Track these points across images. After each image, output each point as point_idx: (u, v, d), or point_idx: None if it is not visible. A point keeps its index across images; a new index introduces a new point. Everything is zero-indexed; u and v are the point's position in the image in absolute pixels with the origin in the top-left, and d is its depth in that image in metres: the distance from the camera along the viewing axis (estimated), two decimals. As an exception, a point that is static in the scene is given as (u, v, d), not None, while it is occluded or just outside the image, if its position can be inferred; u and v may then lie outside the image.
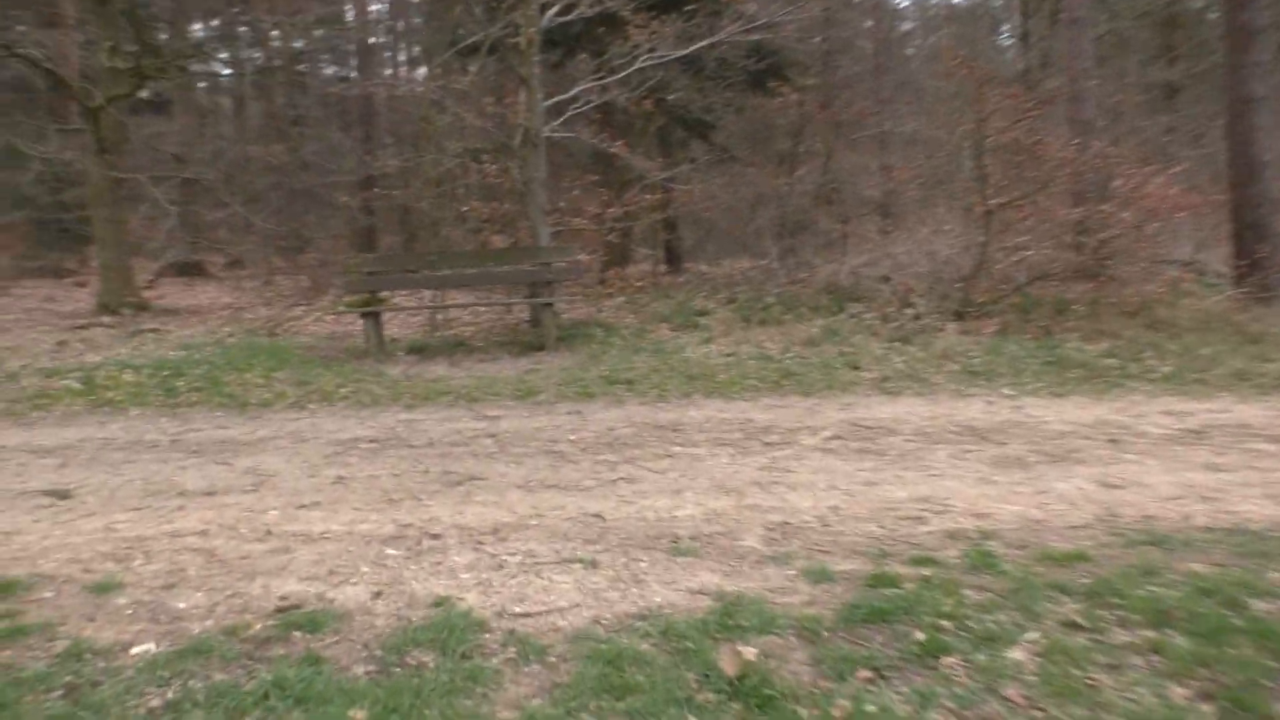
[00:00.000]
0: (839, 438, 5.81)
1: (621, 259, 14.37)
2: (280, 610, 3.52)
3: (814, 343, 8.79)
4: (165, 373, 7.65)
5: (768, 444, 5.70)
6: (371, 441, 5.97)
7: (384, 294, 9.70)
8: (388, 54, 22.65)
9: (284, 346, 9.32)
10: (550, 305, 9.31)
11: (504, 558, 3.99)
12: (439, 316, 10.32)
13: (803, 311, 10.37)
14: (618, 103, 11.76)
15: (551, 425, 6.24)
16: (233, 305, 14.81)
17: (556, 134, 11.00)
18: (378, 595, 3.63)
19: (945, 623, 3.22)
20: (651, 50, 11.14)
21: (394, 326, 10.39)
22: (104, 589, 3.76)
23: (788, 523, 4.36)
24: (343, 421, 6.53)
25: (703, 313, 10.78)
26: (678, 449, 5.64)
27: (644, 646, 3.11)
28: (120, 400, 7.09)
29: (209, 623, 3.43)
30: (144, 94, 25.34)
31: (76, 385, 7.34)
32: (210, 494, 5.07)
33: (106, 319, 13.15)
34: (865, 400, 6.83)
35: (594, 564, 3.89)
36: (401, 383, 7.67)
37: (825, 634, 3.19)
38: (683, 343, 9.16)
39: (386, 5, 22.08)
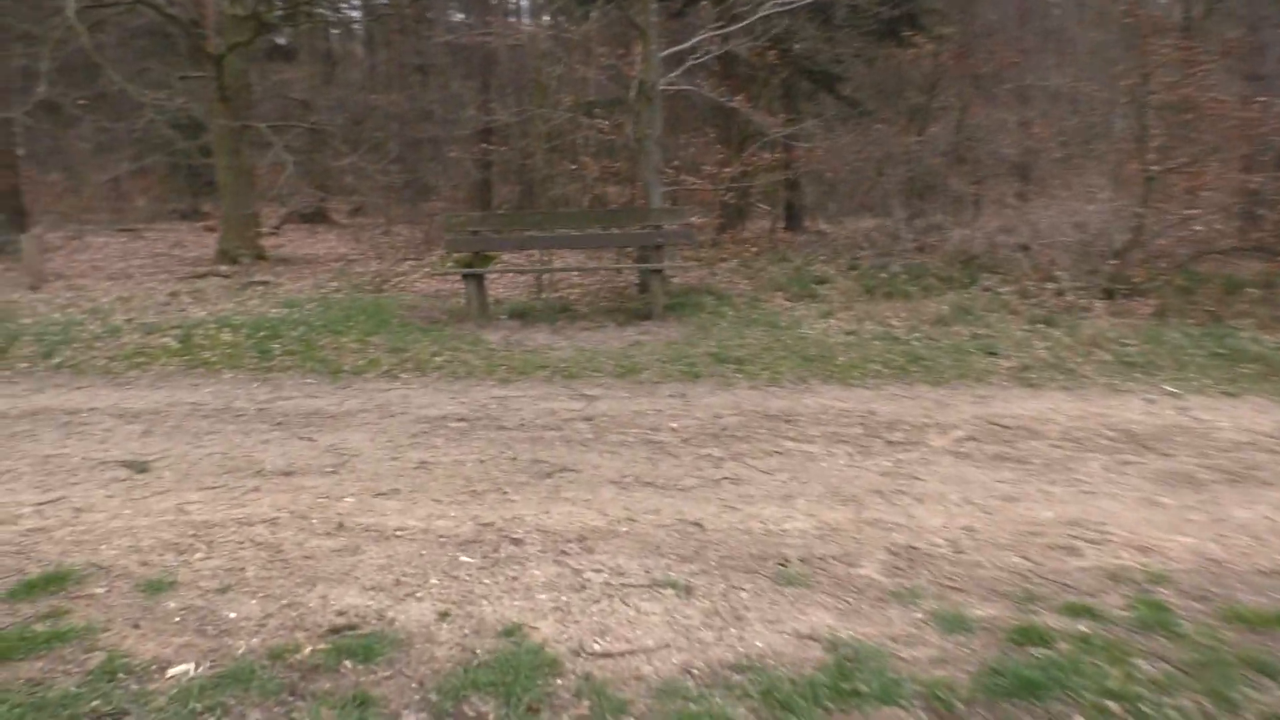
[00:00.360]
0: (973, 439, 5.16)
1: (738, 219, 13.74)
2: (335, 630, 3.16)
3: (944, 321, 8.04)
4: (262, 333, 7.47)
5: (891, 443, 5.10)
6: (461, 420, 5.61)
7: (488, 254, 9.35)
8: (511, 1, 22.20)
9: (386, 305, 9.07)
10: (659, 271, 8.79)
11: (588, 575, 3.54)
12: (545, 278, 9.93)
13: (931, 283, 9.58)
14: (739, 53, 11.07)
15: (653, 409, 5.75)
16: (345, 256, 14.79)
17: (673, 87, 10.39)
18: (443, 617, 3.23)
19: (1112, 705, 2.63)
20: (778, -5, 10.39)
21: (499, 287, 10.06)
22: (157, 588, 3.47)
23: (914, 546, 3.78)
24: (434, 395, 6.19)
25: (822, 280, 10.10)
26: (790, 444, 5.09)
27: (740, 711, 2.62)
28: (215, 362, 6.93)
29: (256, 640, 3.08)
30: (281, 41, 25.76)
31: (174, 344, 7.22)
32: (288, 474, 4.79)
33: (224, 268, 13.26)
34: (1003, 393, 6.11)
35: (689, 590, 3.41)
36: (499, 352, 7.30)
37: (960, 708, 2.64)
38: (799, 315, 8.53)
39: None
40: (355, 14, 27.05)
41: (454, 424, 5.54)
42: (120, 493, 4.55)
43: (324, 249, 16.55)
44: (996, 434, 5.23)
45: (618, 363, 6.88)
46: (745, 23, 10.46)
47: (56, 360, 6.97)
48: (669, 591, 3.39)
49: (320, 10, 23.57)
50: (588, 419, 5.55)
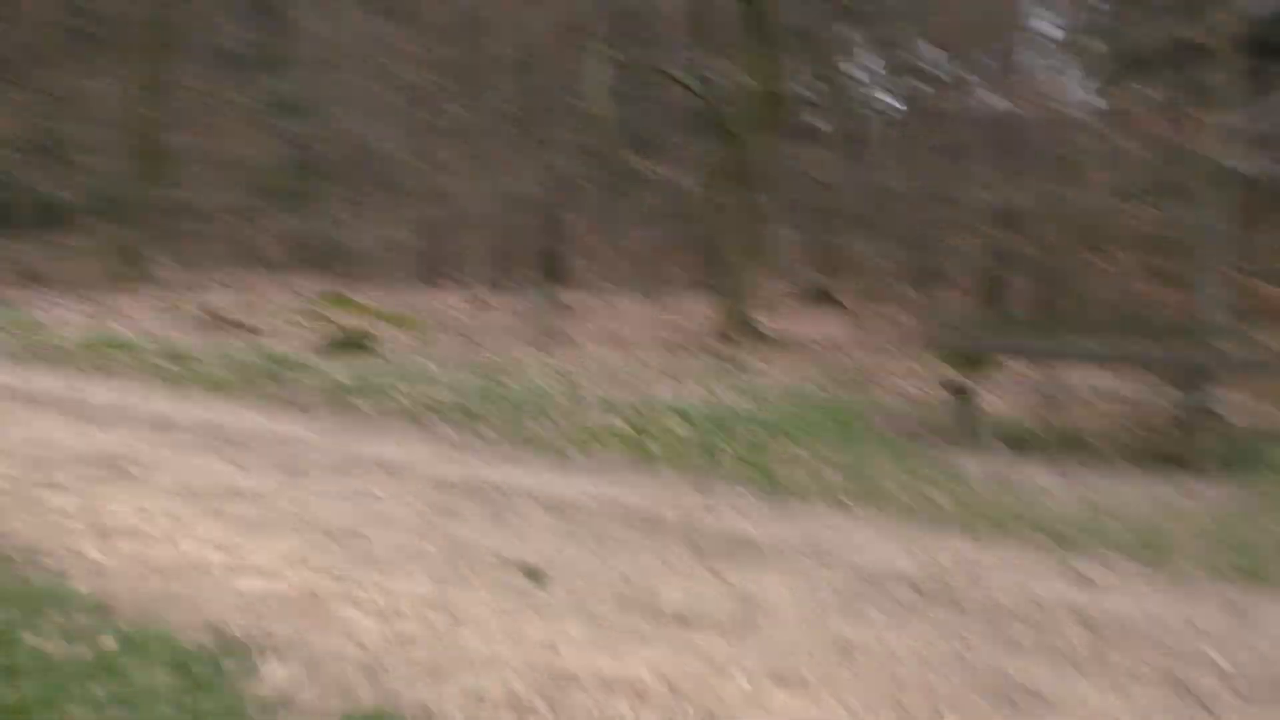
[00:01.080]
0: None
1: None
2: None
3: None
4: (714, 429, 6.85)
5: None
6: (908, 585, 4.37)
7: (983, 359, 7.95)
8: (1049, 70, 20.27)
9: (858, 409, 8.05)
10: (1210, 408, 6.72)
11: None
12: (1053, 397, 8.22)
13: None
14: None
15: (1187, 624, 4.02)
16: (836, 343, 14.10)
17: (1252, 170, 8.17)
18: None
19: None
20: None
21: (994, 398, 8.54)
22: (465, 776, 2.77)
23: None
24: (883, 541, 5.01)
25: None
26: None
27: None
28: (658, 455, 6.41)
29: None
30: (821, 124, 26.46)
31: (626, 428, 6.87)
32: (682, 621, 3.93)
33: (716, 344, 13.25)
34: None
35: None
36: (978, 491, 5.89)
37: None
38: None
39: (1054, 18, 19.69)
40: (890, 99, 26.93)
41: (898, 589, 4.32)
42: (505, 606, 4.03)
43: (819, 332, 16.08)
44: None
45: (1139, 534, 5.12)
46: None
47: (519, 432, 6.95)
48: None
49: (855, 99, 23.68)
50: (1084, 621, 4.00)
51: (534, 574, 4.41)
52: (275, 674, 3.33)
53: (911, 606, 4.14)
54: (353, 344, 9.98)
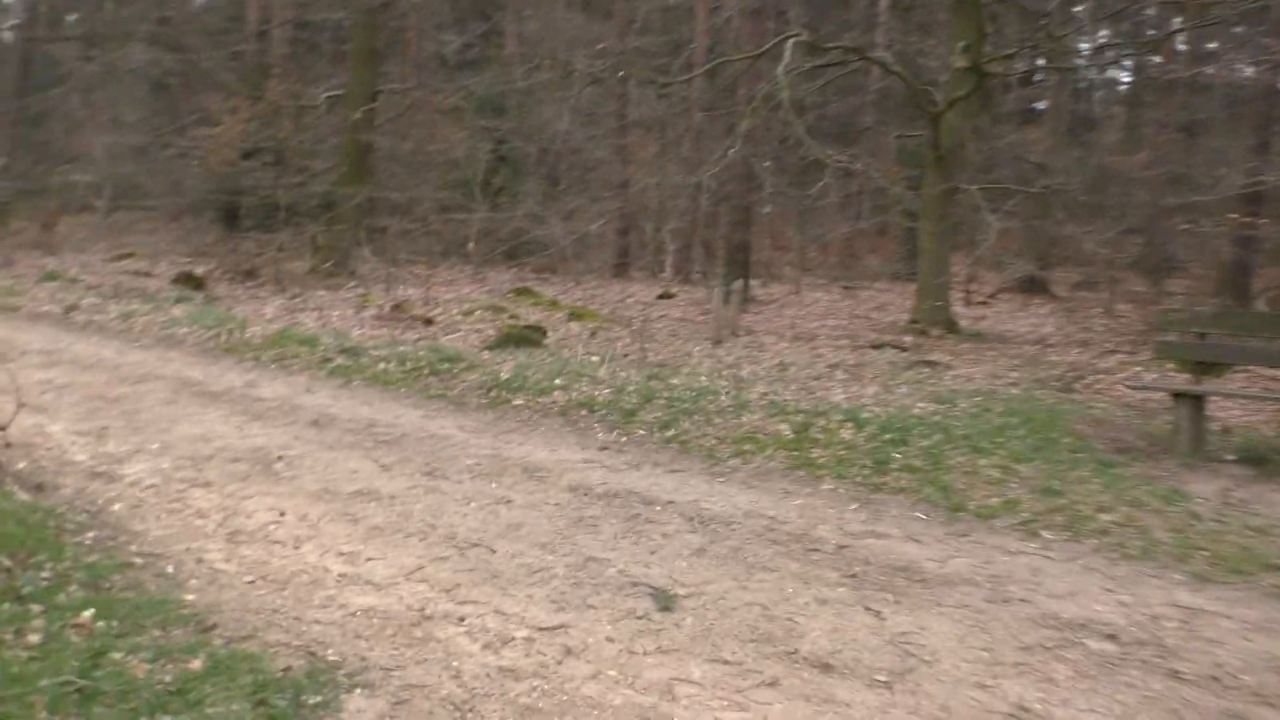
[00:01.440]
0: None
1: None
2: None
3: None
4: (888, 436, 6.13)
5: None
6: (1109, 637, 3.62)
7: (1217, 364, 6.82)
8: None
9: (1062, 416, 7.10)
10: None
11: None
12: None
13: None
14: None
15: None
16: (1045, 339, 12.87)
17: None
18: None
19: None
20: None
21: (1229, 410, 7.37)
22: None
23: None
24: (1079, 578, 4.22)
25: None
26: None
27: None
28: (821, 465, 5.78)
29: None
30: (1039, 103, 24.65)
31: (789, 433, 6.26)
32: (824, 667, 3.38)
33: (907, 339, 12.38)
34: None
35: None
36: (1206, 520, 4.94)
37: None
38: None
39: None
40: (1117, 73, 24.81)
41: (1094, 643, 3.58)
42: (626, 636, 3.60)
43: (1026, 326, 14.85)
44: None
45: None
46: None
47: (671, 432, 6.49)
48: None
49: (1076, 74, 21.75)
50: (1343, 701, 3.15)
51: (663, 598, 3.97)
52: (357, 711, 3.04)
53: (1111, 667, 3.39)
54: (523, 338, 9.85)
